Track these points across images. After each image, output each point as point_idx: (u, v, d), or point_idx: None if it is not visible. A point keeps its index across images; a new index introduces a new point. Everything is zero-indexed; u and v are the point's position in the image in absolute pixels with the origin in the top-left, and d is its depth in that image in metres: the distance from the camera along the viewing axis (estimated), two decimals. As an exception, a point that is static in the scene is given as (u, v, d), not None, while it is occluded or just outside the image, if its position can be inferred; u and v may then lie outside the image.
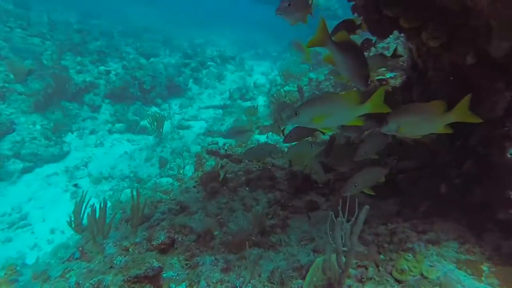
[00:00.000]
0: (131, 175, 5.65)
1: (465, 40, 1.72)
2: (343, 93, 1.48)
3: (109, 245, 1.97)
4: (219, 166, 4.29)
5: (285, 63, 10.76)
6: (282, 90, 6.52)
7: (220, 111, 7.85)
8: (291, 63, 8.54)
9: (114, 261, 1.73)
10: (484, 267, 1.74)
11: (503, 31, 1.42)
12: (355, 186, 1.97)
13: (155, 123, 6.92)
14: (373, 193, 2.09)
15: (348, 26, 2.39)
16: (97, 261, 1.82)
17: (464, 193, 2.20)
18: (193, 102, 8.50)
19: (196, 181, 3.91)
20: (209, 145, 4.68)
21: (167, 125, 7.20)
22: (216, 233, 2.57)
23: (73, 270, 1.91)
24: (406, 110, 1.47)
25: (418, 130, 1.49)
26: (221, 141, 6.06)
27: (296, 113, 1.39)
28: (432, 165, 2.86)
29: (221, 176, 3.56)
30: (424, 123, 1.46)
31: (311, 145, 2.79)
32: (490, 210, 1.99)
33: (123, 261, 1.73)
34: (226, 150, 4.47)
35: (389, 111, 1.43)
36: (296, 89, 6.69)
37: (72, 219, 2.92)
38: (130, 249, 1.95)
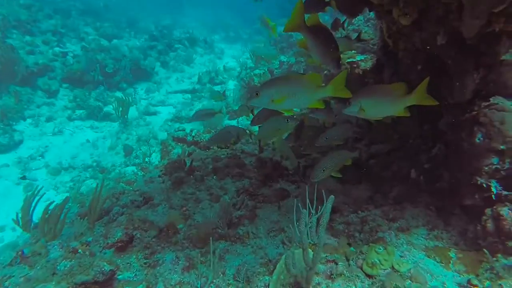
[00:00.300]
0: (94, 164, 5.30)
1: (437, 18, 1.62)
2: (305, 74, 1.46)
3: (54, 247, 1.75)
4: (185, 154, 4.09)
5: (256, 46, 10.50)
6: (252, 74, 6.32)
7: (189, 95, 7.53)
8: (262, 45, 8.32)
9: (58, 267, 1.52)
10: (452, 254, 1.72)
11: (474, 8, 1.32)
12: (323, 171, 1.93)
13: (120, 109, 6.53)
14: (340, 175, 2.07)
15: (317, 3, 2.25)
16: (38, 267, 1.61)
17: (433, 178, 2.17)
18: (160, 86, 8.10)
19: (162, 170, 3.70)
20: (176, 131, 4.43)
21: (132, 111, 6.82)
22: (180, 226, 2.41)
23: (13, 276, 1.69)
24: (368, 92, 1.47)
25: (379, 112, 1.50)
26: (188, 127, 5.81)
27: (257, 93, 1.34)
28: (402, 149, 2.83)
29: (187, 165, 3.37)
30: (385, 105, 1.46)
31: (287, 120, 2.66)
32: (457, 195, 1.96)
33: (67, 266, 1.53)
34: (193, 136, 4.25)
35: (349, 96, 1.43)
36: (267, 72, 6.52)
37: (20, 216, 2.64)
38: (79, 250, 1.75)
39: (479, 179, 1.71)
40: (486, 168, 1.68)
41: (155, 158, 4.88)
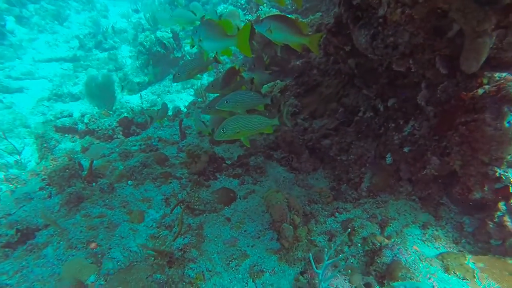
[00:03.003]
0: None
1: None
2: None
3: None
4: (78, 150, 2.97)
5: (150, 1, 8.88)
6: (153, 37, 5.14)
7: (70, 64, 5.83)
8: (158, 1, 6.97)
9: None
10: (469, 263, 1.39)
11: None
12: (223, 131, 1.65)
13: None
14: (248, 144, 1.78)
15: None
16: None
17: (417, 164, 1.84)
18: (21, 52, 6.06)
19: (44, 179, 2.57)
20: (58, 118, 3.18)
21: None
22: (91, 279, 1.55)
23: None
24: (279, 19, 1.63)
25: (282, 38, 1.64)
26: (76, 109, 4.44)
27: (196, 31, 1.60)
28: (352, 124, 2.47)
29: (85, 169, 2.36)
30: (288, 35, 1.61)
31: None
32: (452, 184, 1.66)
33: None
34: (86, 124, 3.09)
35: (249, 55, 1.63)
36: (170, 34, 5.41)
37: None
38: None
39: (498, 170, 1.38)
40: (509, 157, 1.35)
41: (30, 156, 3.52)
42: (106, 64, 5.74)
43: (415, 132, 1.95)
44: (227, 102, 1.70)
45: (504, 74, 1.39)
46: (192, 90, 5.23)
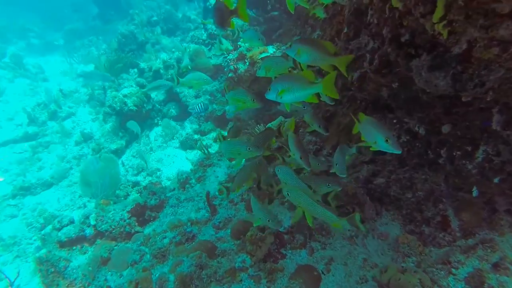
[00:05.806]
0: None
1: None
2: None
3: None
4: (97, 264, 2.46)
5: (86, 53, 8.17)
6: (120, 95, 4.64)
7: (25, 145, 5.05)
8: (108, 52, 6.39)
9: None
10: None
11: None
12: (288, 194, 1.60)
13: None
14: (312, 224, 1.61)
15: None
16: None
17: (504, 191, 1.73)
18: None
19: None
20: (59, 229, 2.62)
21: None
22: None
23: None
24: (306, 41, 1.63)
25: (311, 59, 1.62)
26: (53, 199, 3.75)
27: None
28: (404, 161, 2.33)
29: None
30: (317, 57, 1.59)
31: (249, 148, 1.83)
32: None
33: None
34: (94, 226, 2.57)
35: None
36: (137, 88, 4.93)
37: None
38: None
39: None
40: None
41: (25, 279, 2.87)
42: (70, 137, 5.06)
43: (493, 158, 1.86)
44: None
45: None
46: (176, 141, 4.81)
